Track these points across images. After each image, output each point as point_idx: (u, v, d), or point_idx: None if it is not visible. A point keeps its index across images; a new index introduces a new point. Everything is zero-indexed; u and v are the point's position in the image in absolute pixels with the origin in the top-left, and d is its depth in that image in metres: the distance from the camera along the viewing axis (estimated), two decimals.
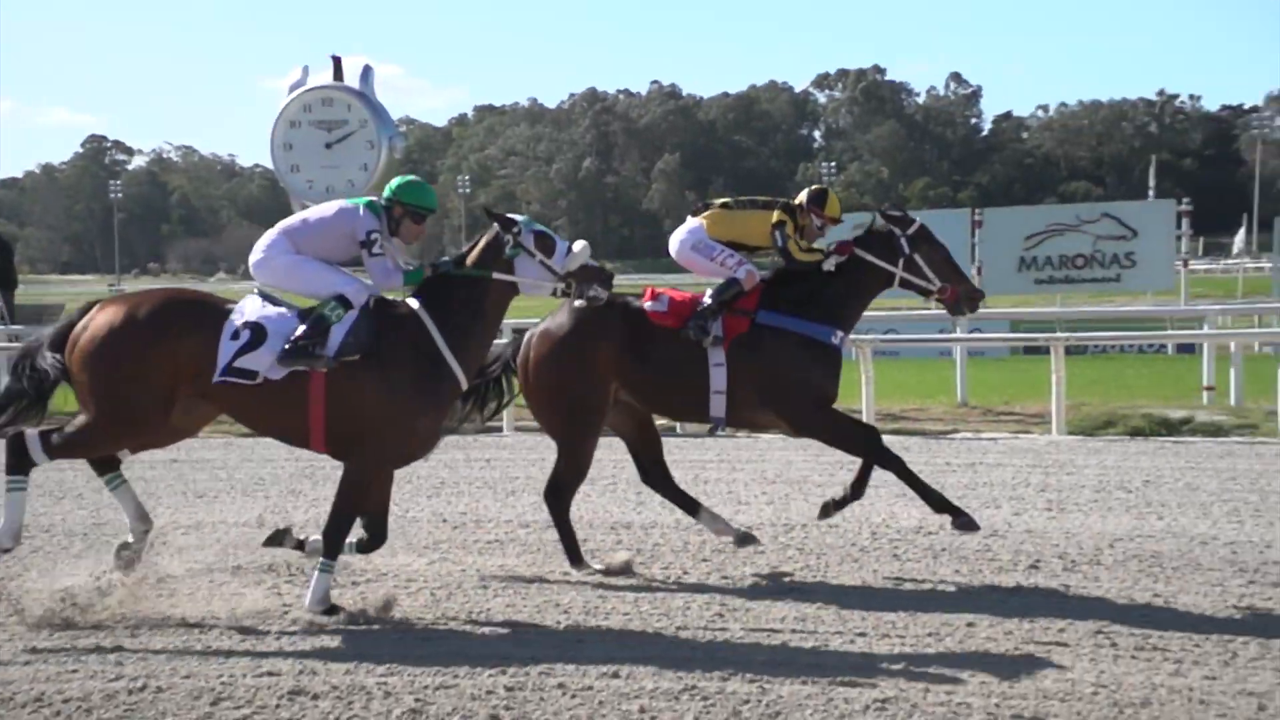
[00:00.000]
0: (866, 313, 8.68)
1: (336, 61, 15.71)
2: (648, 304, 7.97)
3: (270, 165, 16.36)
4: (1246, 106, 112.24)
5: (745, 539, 8.12)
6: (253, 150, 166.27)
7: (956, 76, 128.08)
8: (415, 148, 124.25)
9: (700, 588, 7.46)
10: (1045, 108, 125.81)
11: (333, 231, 7.11)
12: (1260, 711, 5.25)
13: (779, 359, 7.90)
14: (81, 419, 6.89)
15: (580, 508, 8.60)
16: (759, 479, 11.39)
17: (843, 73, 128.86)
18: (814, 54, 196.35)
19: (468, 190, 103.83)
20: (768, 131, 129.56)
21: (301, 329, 6.77)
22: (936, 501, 7.72)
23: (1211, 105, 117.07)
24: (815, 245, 8.35)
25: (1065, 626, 6.48)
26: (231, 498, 10.63)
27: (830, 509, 8.15)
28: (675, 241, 8.47)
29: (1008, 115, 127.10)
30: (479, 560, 8.17)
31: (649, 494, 8.83)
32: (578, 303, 7.48)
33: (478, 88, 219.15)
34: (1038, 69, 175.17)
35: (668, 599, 7.18)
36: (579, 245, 7.25)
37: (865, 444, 7.95)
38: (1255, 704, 5.32)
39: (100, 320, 6.86)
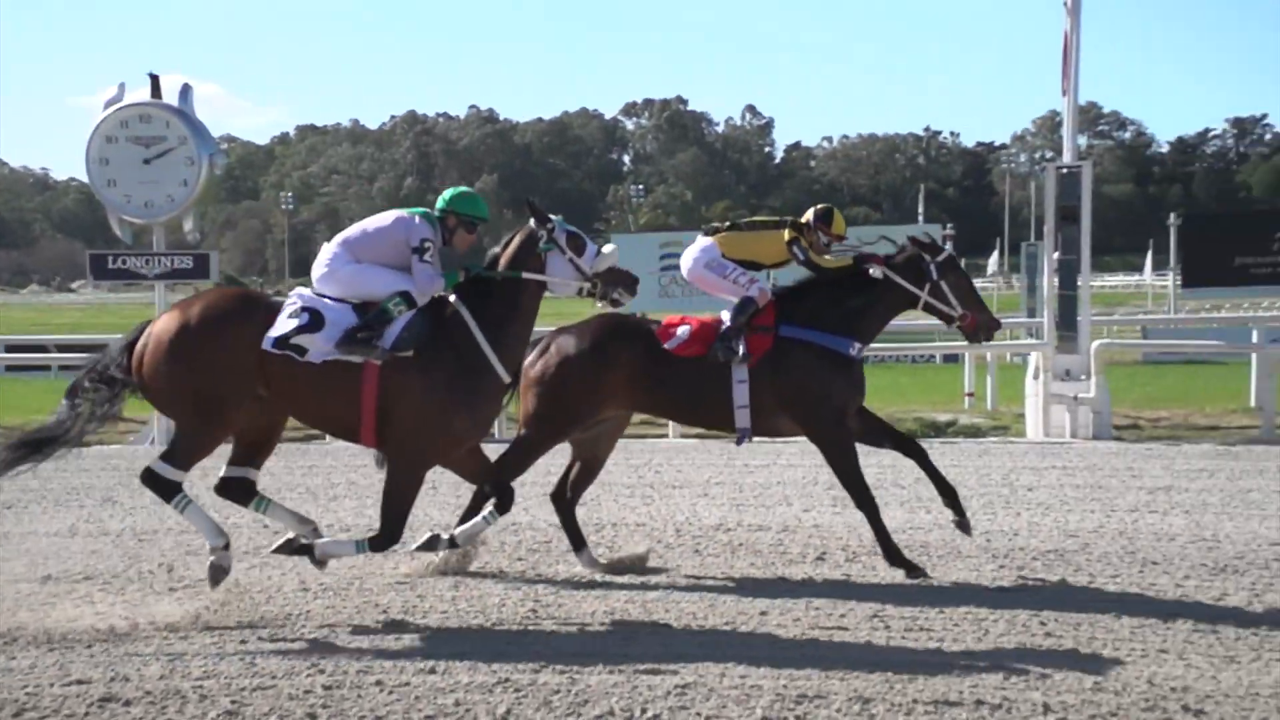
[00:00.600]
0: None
1: (154, 79, 15.06)
2: (667, 344, 7.74)
3: (86, 180, 15.61)
4: (997, 144, 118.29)
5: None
6: (67, 165, 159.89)
7: (752, 108, 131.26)
8: (237, 165, 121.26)
9: (516, 585, 7.34)
10: (830, 139, 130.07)
11: (390, 239, 7.02)
12: (1005, 676, 5.45)
13: (804, 371, 7.74)
14: (177, 428, 6.88)
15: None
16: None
17: (649, 102, 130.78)
18: (622, 84, 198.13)
19: (291, 207, 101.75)
20: (580, 155, 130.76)
21: (362, 320, 6.71)
22: (893, 554, 7.57)
23: (969, 142, 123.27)
24: (835, 259, 8.25)
25: (846, 612, 6.59)
26: (43, 508, 10.04)
27: None
28: (688, 260, 8.26)
29: (797, 145, 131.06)
30: (299, 564, 7.87)
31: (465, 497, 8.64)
32: (600, 304, 7.28)
33: (299, 108, 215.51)
34: (823, 103, 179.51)
35: (484, 597, 7.05)
36: (609, 247, 7.22)
37: (853, 482, 7.73)
38: (1002, 673, 5.49)
39: (159, 329, 6.74)
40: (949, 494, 7.66)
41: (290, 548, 7.09)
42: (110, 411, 6.87)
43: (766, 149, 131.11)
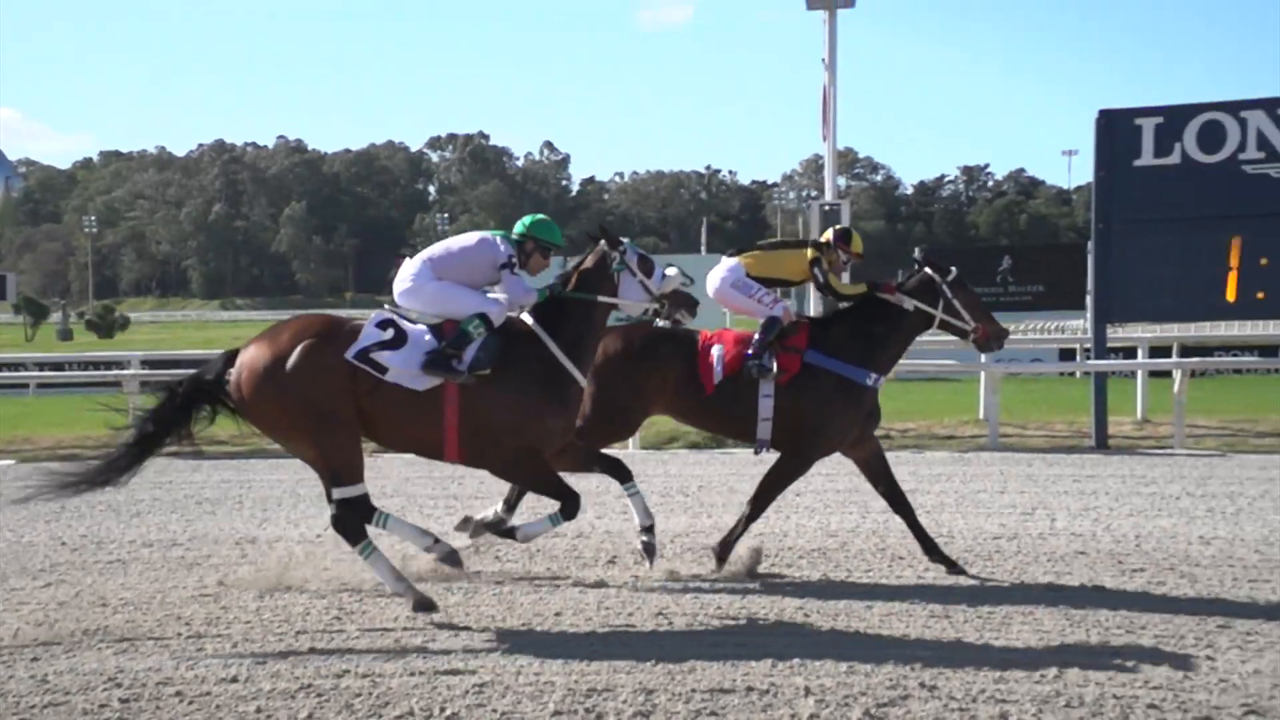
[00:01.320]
0: None
1: None
2: (712, 363, 7.57)
3: None
4: (770, 182, 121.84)
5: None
6: None
7: (549, 145, 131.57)
8: (37, 188, 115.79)
9: (320, 594, 7.12)
10: (622, 174, 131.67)
11: (474, 258, 6.89)
12: (772, 664, 5.53)
13: (815, 399, 7.56)
14: (313, 457, 6.63)
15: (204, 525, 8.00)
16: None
17: (452, 136, 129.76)
18: (427, 118, 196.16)
19: (94, 230, 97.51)
20: (387, 184, 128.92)
21: (443, 342, 6.52)
22: (724, 546, 7.57)
23: (745, 180, 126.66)
24: (850, 284, 8.15)
25: (634, 610, 6.60)
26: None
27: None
28: (714, 279, 8.01)
29: (592, 179, 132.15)
30: (99, 581, 7.45)
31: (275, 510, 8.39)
32: (660, 323, 7.26)
33: (104, 134, 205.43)
34: (615, 141, 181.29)
35: (289, 606, 6.82)
36: (672, 271, 7.09)
37: (769, 495, 7.72)
38: (769, 661, 5.56)
39: (251, 360, 6.49)
40: (932, 549, 7.56)
41: (493, 529, 7.18)
42: (191, 428, 6.73)
43: (564, 182, 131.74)
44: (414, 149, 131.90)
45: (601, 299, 6.91)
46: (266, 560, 7.76)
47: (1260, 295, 13.20)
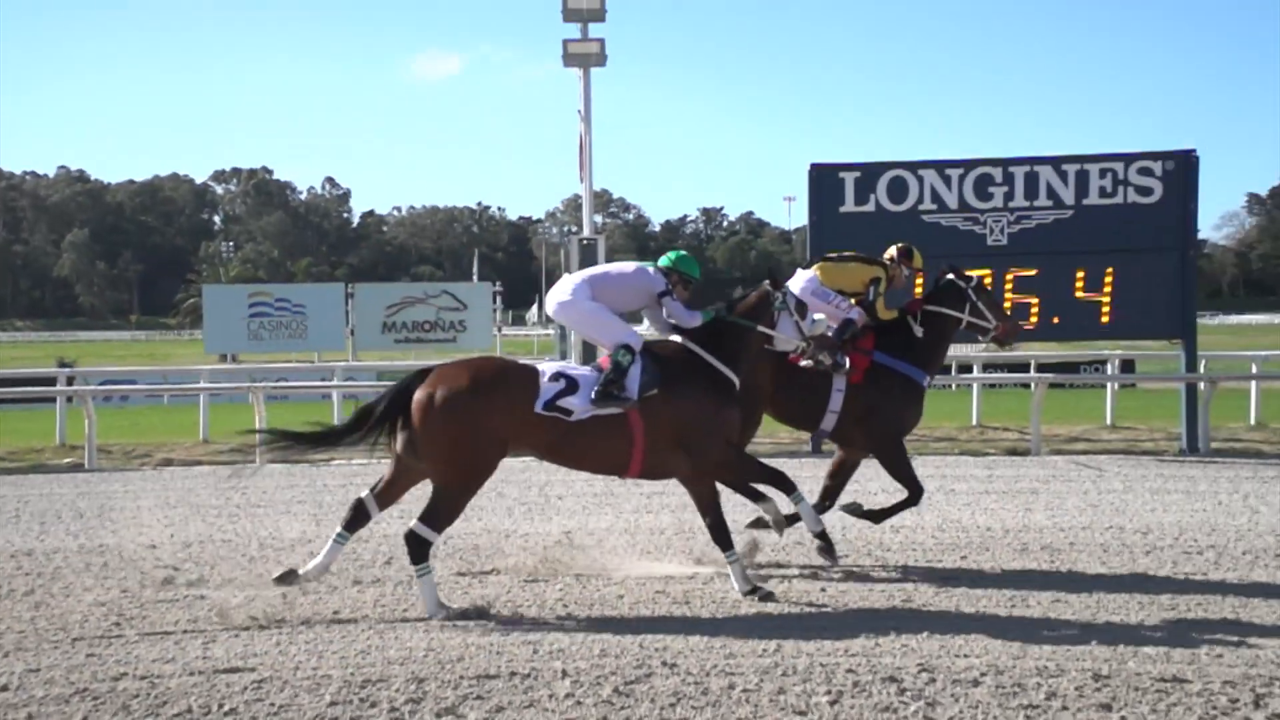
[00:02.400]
0: (267, 365, 8.21)
1: None
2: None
3: None
4: (534, 218, 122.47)
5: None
6: None
7: (331, 180, 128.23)
8: None
9: (100, 602, 6.74)
10: (399, 208, 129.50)
11: (630, 285, 6.96)
12: (533, 650, 5.56)
13: (884, 394, 7.68)
14: (436, 488, 6.46)
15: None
16: (164, 504, 10.58)
17: (236, 170, 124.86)
18: (212, 152, 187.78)
19: None
20: (172, 214, 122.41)
21: (603, 377, 6.49)
22: (869, 515, 7.83)
23: (513, 215, 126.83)
24: (886, 310, 8.02)
25: (409, 606, 6.51)
26: None
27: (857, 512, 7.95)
28: (797, 286, 7.73)
29: (371, 212, 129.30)
30: None
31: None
32: (805, 363, 7.23)
33: None
34: (393, 177, 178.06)
35: (66, 614, 6.44)
36: (819, 317, 7.05)
37: (910, 484, 7.72)
38: (530, 648, 5.60)
39: (433, 394, 6.38)
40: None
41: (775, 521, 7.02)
42: (372, 440, 6.72)
43: (345, 215, 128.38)
44: (199, 181, 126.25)
45: (762, 329, 6.98)
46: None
47: None
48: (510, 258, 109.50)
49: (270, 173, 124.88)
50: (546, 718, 4.79)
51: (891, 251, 8.34)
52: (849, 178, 14.06)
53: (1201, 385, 13.94)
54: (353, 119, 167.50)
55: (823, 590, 6.81)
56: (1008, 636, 5.80)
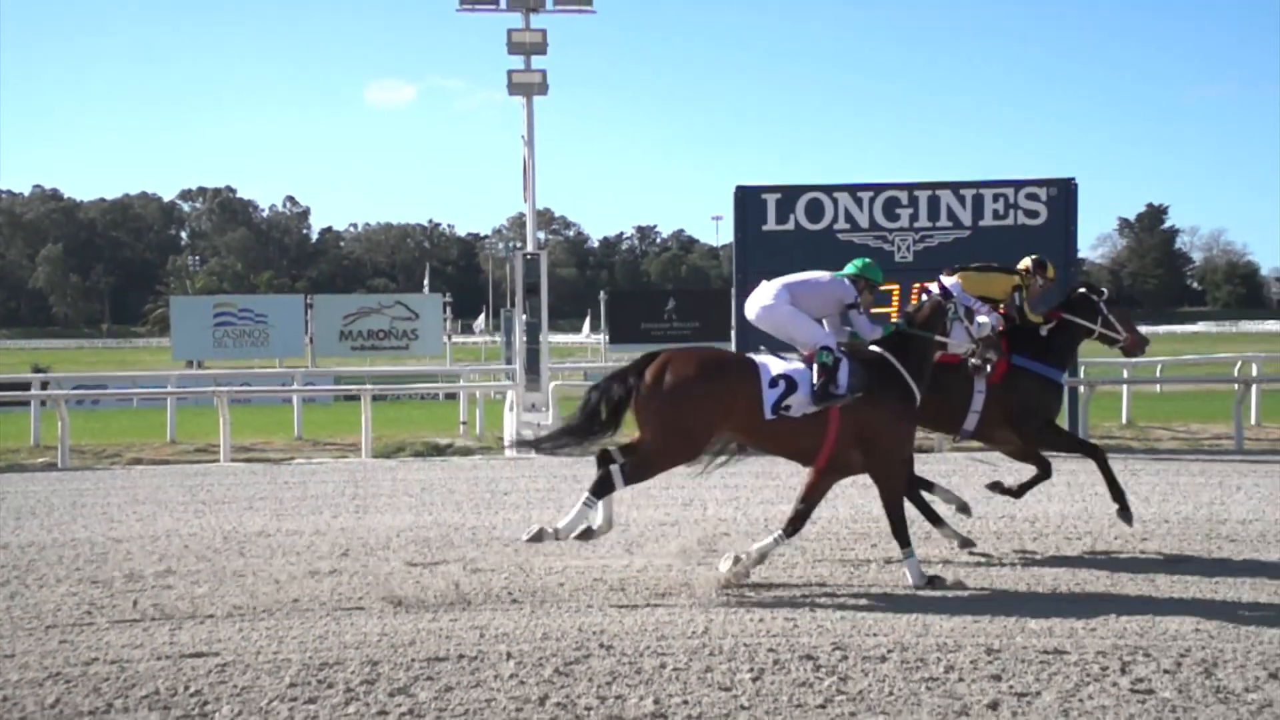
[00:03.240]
0: (231, 371, 8.05)
1: None
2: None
3: None
4: (482, 234, 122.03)
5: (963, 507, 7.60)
6: None
7: (291, 199, 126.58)
8: None
9: (72, 592, 6.57)
10: (356, 224, 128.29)
11: (825, 293, 6.92)
12: (480, 635, 5.49)
13: (1027, 392, 7.67)
14: (645, 450, 6.39)
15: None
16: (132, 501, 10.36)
17: (202, 189, 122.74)
18: (179, 172, 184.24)
19: None
20: (142, 230, 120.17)
21: (814, 376, 6.44)
22: (1119, 496, 7.62)
23: (462, 232, 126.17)
24: (1035, 314, 7.97)
25: (364, 595, 6.45)
26: None
27: (999, 489, 7.95)
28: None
29: (329, 228, 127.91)
30: None
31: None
32: (973, 362, 7.20)
33: None
34: (350, 195, 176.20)
35: (39, 603, 6.31)
36: (984, 319, 6.93)
37: (1086, 449, 7.82)
38: (477, 632, 5.56)
39: (664, 372, 6.37)
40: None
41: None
42: (615, 422, 6.52)
43: (304, 231, 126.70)
44: (167, 199, 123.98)
45: (939, 338, 6.93)
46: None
47: (851, 331, 14.23)
48: (459, 271, 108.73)
49: (234, 191, 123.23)
50: (492, 696, 4.76)
51: (1026, 263, 8.29)
52: (771, 199, 14.17)
53: (1081, 389, 14.27)
54: (312, 142, 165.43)
55: (745, 575, 6.83)
56: (911, 616, 5.88)
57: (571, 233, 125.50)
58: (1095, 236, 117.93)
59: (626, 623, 5.81)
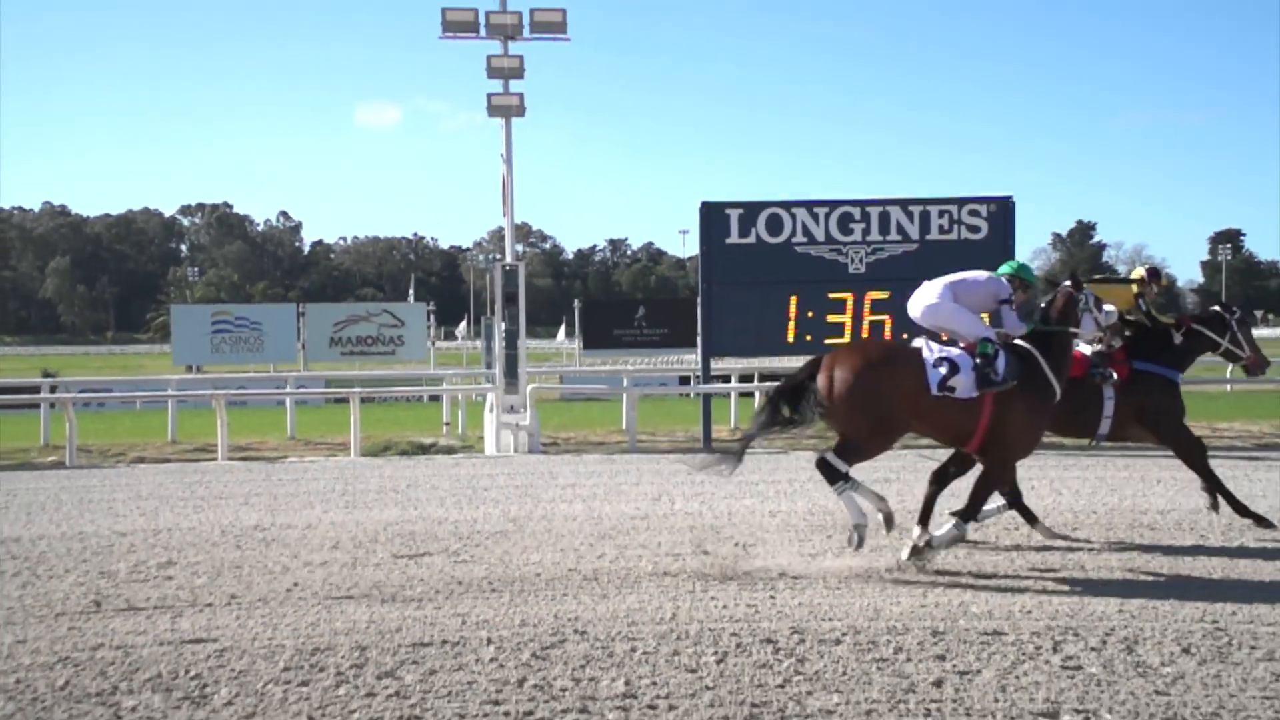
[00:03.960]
0: (228, 375, 7.97)
1: None
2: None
3: None
4: (464, 247, 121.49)
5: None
6: None
7: (285, 214, 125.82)
8: None
9: (79, 582, 6.48)
10: (345, 238, 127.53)
11: (984, 290, 6.89)
12: (461, 621, 5.47)
13: (1151, 393, 7.63)
14: (855, 441, 6.47)
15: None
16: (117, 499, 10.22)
17: (201, 205, 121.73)
18: (179, 189, 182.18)
19: None
20: (144, 243, 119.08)
21: (976, 363, 6.47)
22: (1237, 506, 7.54)
23: (445, 245, 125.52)
24: (1164, 316, 7.88)
25: (354, 584, 6.41)
26: None
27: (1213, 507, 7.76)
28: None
29: (320, 241, 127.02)
30: None
31: None
32: (1096, 347, 7.20)
33: None
34: (339, 209, 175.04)
35: (49, 593, 6.19)
36: (1109, 308, 6.88)
37: (1197, 457, 7.65)
38: (459, 619, 5.53)
39: (843, 370, 6.45)
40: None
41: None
42: (798, 419, 6.61)
43: (297, 244, 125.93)
44: (168, 214, 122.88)
45: (1073, 330, 6.89)
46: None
47: (808, 337, 14.21)
48: (442, 281, 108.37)
49: (231, 207, 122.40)
50: (474, 678, 4.74)
51: (1141, 271, 8.28)
52: (734, 214, 14.21)
53: None
54: (304, 160, 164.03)
55: (711, 566, 6.85)
56: (864, 602, 5.91)
57: (548, 245, 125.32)
58: (1031, 250, 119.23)
59: (599, 610, 5.80)
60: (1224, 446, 13.76)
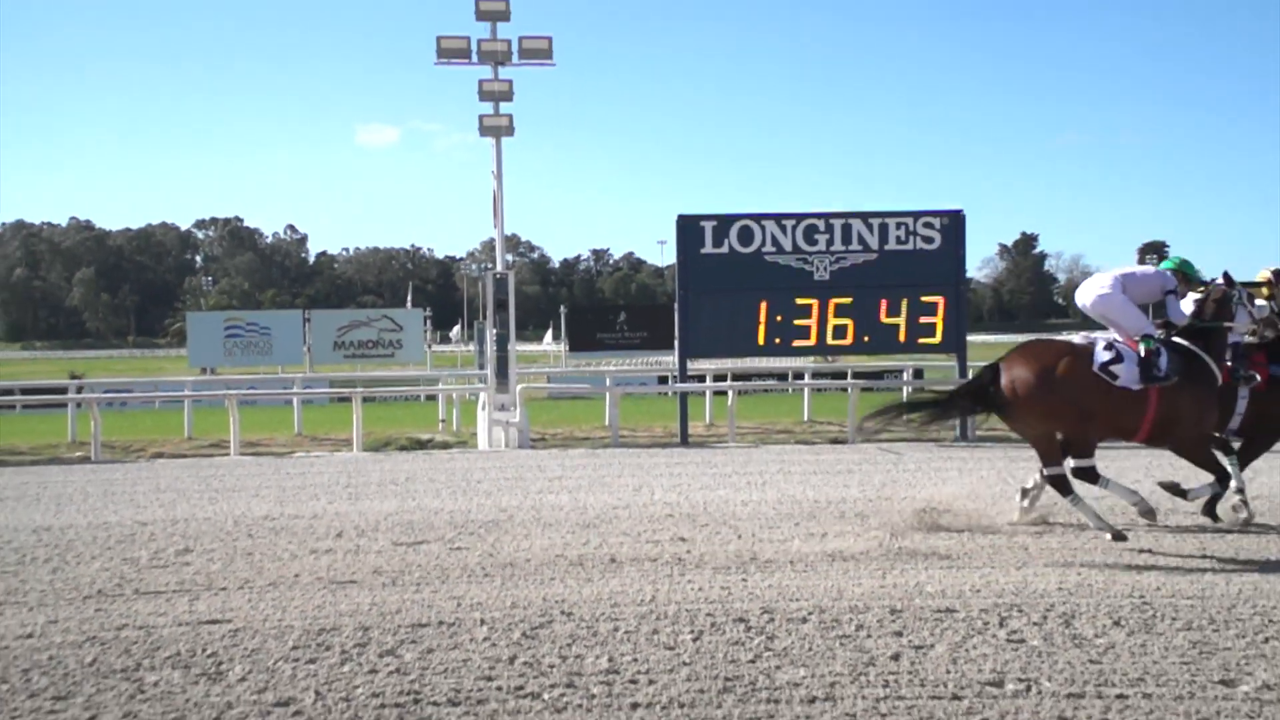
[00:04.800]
0: (240, 376, 7.90)
1: None
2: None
3: None
4: (458, 257, 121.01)
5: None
6: None
7: (292, 227, 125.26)
8: None
9: (105, 567, 6.40)
10: (347, 249, 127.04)
11: (1149, 284, 6.75)
12: (457, 604, 5.45)
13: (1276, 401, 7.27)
14: (1070, 437, 6.49)
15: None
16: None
17: (214, 219, 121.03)
18: (194, 203, 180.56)
19: None
20: (162, 254, 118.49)
21: (1140, 357, 6.39)
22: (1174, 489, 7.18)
23: (440, 254, 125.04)
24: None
25: (355, 570, 6.36)
26: None
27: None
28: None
29: (324, 252, 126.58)
30: None
31: None
32: (1249, 338, 7.03)
33: None
34: (342, 223, 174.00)
35: (78, 577, 6.12)
36: (1261, 302, 6.65)
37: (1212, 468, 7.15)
38: (454, 602, 5.51)
39: (1024, 372, 6.44)
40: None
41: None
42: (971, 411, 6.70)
43: (303, 254, 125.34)
44: (183, 228, 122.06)
45: (1226, 325, 6.79)
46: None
47: (777, 340, 14.27)
48: (438, 289, 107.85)
49: (241, 221, 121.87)
50: (468, 656, 4.72)
51: (1267, 273, 7.88)
52: (708, 226, 14.22)
53: None
54: (310, 176, 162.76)
55: (687, 552, 6.85)
56: (828, 584, 5.93)
57: (535, 255, 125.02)
58: (980, 259, 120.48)
59: (584, 593, 5.79)
60: None
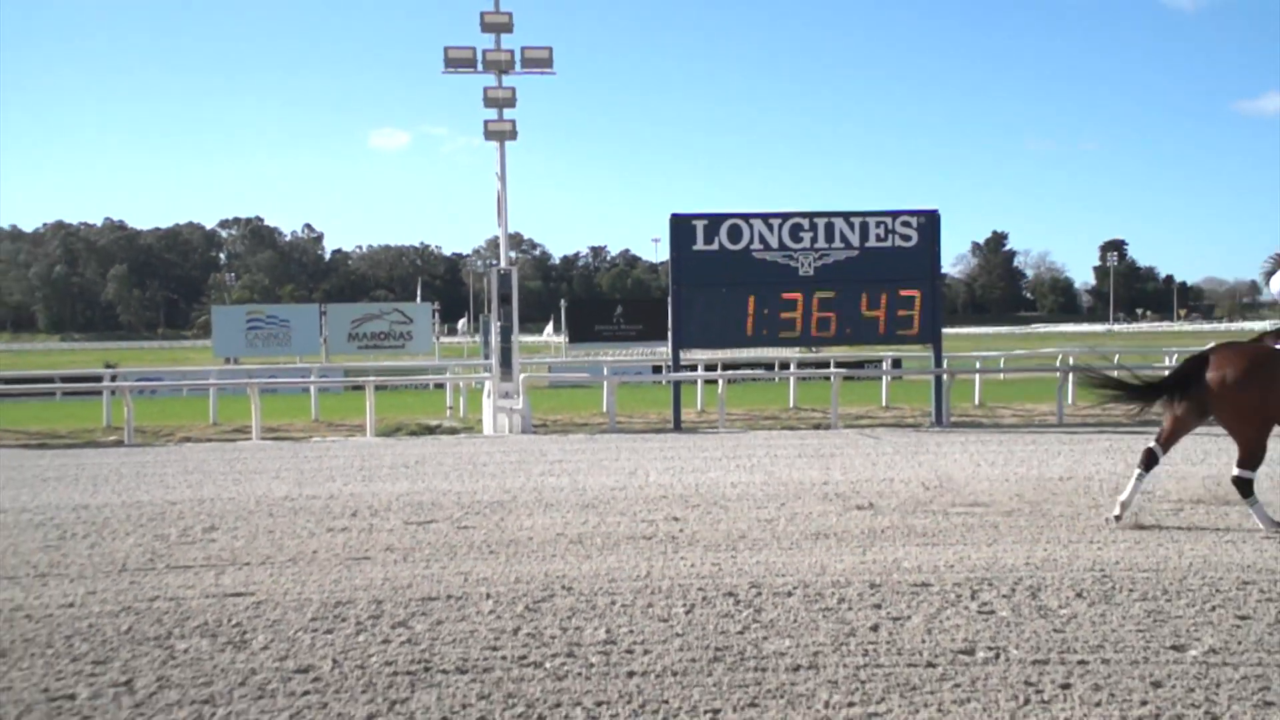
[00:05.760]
0: (261, 366, 7.86)
1: None
2: None
3: None
4: (465, 254, 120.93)
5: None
6: None
7: (309, 226, 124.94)
8: None
9: (138, 543, 6.37)
10: (361, 246, 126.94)
11: None
12: (464, 579, 5.43)
13: None
14: (1243, 442, 6.31)
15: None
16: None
17: (236, 219, 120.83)
18: (218, 205, 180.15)
19: None
20: (189, 252, 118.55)
21: None
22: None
23: (447, 252, 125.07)
24: None
25: (369, 548, 6.32)
26: None
27: None
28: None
29: (339, 250, 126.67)
30: None
31: None
32: None
33: None
34: (356, 221, 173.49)
35: (113, 552, 6.11)
36: None
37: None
38: (461, 577, 5.49)
39: (1231, 369, 6.25)
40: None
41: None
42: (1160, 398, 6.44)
43: (319, 252, 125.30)
44: (209, 227, 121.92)
45: None
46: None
47: (764, 332, 14.27)
48: (446, 284, 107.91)
49: (262, 220, 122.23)
50: (475, 628, 4.71)
51: None
52: (699, 224, 14.18)
53: (945, 376, 14.48)
54: (325, 179, 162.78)
55: (680, 530, 6.83)
56: (812, 560, 5.92)
57: (537, 252, 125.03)
58: (954, 256, 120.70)
59: (584, 569, 5.77)
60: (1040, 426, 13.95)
